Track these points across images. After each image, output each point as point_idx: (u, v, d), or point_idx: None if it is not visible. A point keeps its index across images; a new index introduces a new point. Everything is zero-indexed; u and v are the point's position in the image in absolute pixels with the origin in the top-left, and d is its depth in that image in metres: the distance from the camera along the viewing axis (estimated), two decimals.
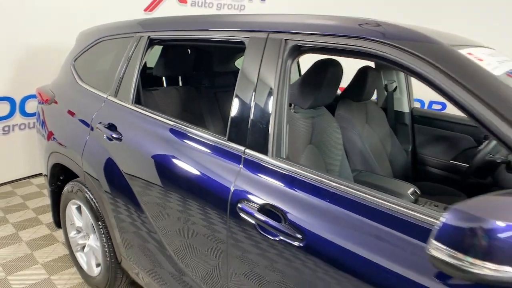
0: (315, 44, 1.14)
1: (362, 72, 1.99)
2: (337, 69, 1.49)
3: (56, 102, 2.24)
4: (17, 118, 3.55)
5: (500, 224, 0.59)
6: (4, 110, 3.47)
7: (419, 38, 0.97)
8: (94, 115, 1.87)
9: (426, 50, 0.93)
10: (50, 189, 2.34)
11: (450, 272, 0.62)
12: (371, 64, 2.05)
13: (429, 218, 0.80)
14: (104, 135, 1.74)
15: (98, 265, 2.07)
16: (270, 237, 1.06)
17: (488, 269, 0.60)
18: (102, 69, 2.03)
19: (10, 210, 3.07)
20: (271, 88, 1.19)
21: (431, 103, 4.60)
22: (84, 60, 2.19)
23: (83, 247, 2.16)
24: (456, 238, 0.60)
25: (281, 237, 1.03)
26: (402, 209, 0.87)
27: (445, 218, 0.62)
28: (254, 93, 1.23)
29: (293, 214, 1.02)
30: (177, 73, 2.32)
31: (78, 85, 2.13)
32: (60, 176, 2.27)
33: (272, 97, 1.18)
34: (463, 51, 0.96)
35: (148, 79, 2.32)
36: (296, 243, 1.00)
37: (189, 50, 2.27)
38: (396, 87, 2.27)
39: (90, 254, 2.10)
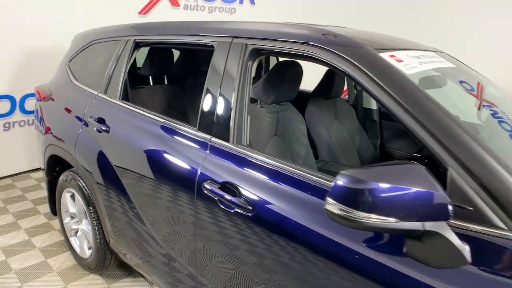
0: (269, 48, 1.35)
1: (330, 72, 2.19)
2: (296, 69, 1.69)
3: (52, 99, 2.44)
4: (17, 115, 3.76)
5: (378, 185, 0.79)
6: (5, 108, 3.68)
7: (349, 43, 1.17)
8: (86, 110, 2.07)
9: (352, 53, 1.13)
10: (46, 179, 2.54)
11: (341, 222, 0.82)
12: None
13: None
14: (94, 128, 1.95)
15: (89, 248, 2.26)
16: (228, 209, 1.26)
17: (371, 218, 0.80)
18: (94, 69, 2.23)
19: (10, 201, 3.27)
20: (233, 85, 1.39)
21: None
22: (78, 61, 2.40)
23: (76, 232, 2.36)
24: (344, 196, 0.80)
25: (236, 209, 1.23)
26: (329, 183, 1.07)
27: (337, 180, 0.81)
28: (219, 89, 1.43)
29: (246, 189, 1.22)
30: (162, 72, 2.51)
31: (73, 83, 2.33)
32: (56, 167, 2.47)
33: (233, 93, 1.39)
34: (385, 54, 1.16)
35: (138, 78, 2.53)
36: (247, 214, 1.20)
37: (173, 52, 2.48)
38: (356, 96, 2.47)
39: (83, 238, 2.30)
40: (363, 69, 1.08)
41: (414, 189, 0.79)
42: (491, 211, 0.84)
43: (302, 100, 2.17)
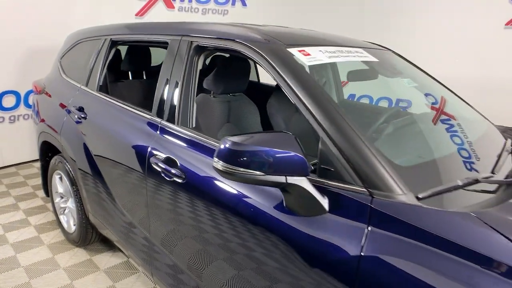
0: (209, 45, 1.59)
1: (319, 69, 2.41)
2: (243, 64, 1.93)
3: (46, 93, 2.74)
4: (22, 109, 4.10)
5: (252, 147, 1.02)
6: (11, 102, 4.03)
7: (263, 40, 1.40)
8: (70, 100, 2.35)
9: (264, 48, 1.36)
10: (40, 164, 2.85)
11: (225, 176, 1.04)
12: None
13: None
14: (75, 116, 2.23)
15: (74, 224, 2.55)
16: (167, 178, 1.51)
17: (245, 173, 1.02)
18: (79, 65, 2.51)
19: (13, 186, 3.60)
20: (180, 77, 1.64)
21: (398, 100, 4.96)
22: (68, 58, 2.69)
23: (64, 210, 2.65)
24: (226, 155, 1.02)
25: (174, 178, 1.48)
26: None
27: (221, 144, 1.05)
28: (169, 80, 1.68)
29: (181, 161, 1.47)
30: (138, 68, 2.77)
31: (62, 78, 2.63)
32: (48, 153, 2.77)
33: (179, 83, 1.63)
34: (294, 49, 1.39)
35: (121, 74, 2.80)
36: (181, 181, 1.45)
37: (150, 50, 2.74)
38: (325, 82, 2.67)
39: (69, 215, 2.59)
40: (270, 61, 1.31)
41: (281, 151, 1.02)
42: (346, 171, 1.06)
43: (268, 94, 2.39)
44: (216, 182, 1.34)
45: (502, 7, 3.93)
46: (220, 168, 1.04)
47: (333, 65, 2.59)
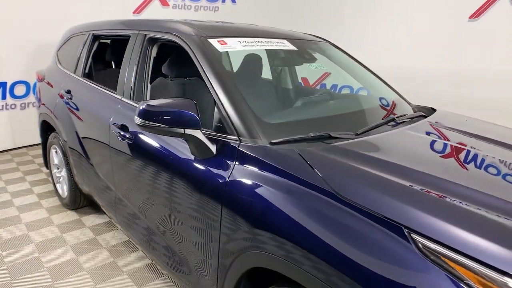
0: (158, 37, 2.01)
1: (248, 57, 2.80)
2: (182, 52, 2.29)
3: (46, 81, 3.23)
4: (31, 97, 4.64)
5: (160, 108, 1.44)
6: (22, 91, 4.58)
7: (190, 32, 1.81)
8: (62, 85, 2.83)
9: (189, 39, 1.77)
10: (41, 140, 3.35)
11: (143, 129, 1.47)
12: (260, 53, 2.86)
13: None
14: (64, 97, 2.70)
15: (67, 190, 3.04)
16: (122, 140, 1.95)
17: (155, 126, 1.44)
18: (71, 56, 2.98)
19: (22, 164, 4.15)
20: (136, 63, 2.08)
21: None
22: (63, 51, 3.17)
23: (60, 179, 3.15)
24: (142, 113, 1.44)
25: (127, 140, 1.92)
26: None
27: (139, 106, 1.46)
28: (129, 65, 2.12)
29: (131, 127, 1.91)
30: (120, 58, 3.20)
31: (58, 67, 3.11)
32: (47, 131, 3.26)
33: (136, 67, 2.07)
34: (214, 40, 1.79)
35: (106, 63, 3.26)
36: (130, 141, 1.89)
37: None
38: (281, 70, 3.05)
39: (63, 183, 3.08)
40: (192, 49, 1.72)
41: (181, 111, 1.43)
42: (228, 126, 1.47)
43: None
44: (151, 138, 1.78)
45: (466, 1, 4.19)
46: (139, 123, 1.46)
47: (289, 58, 2.97)
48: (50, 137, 3.12)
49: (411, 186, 1.11)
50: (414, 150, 1.50)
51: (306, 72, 2.68)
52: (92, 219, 2.98)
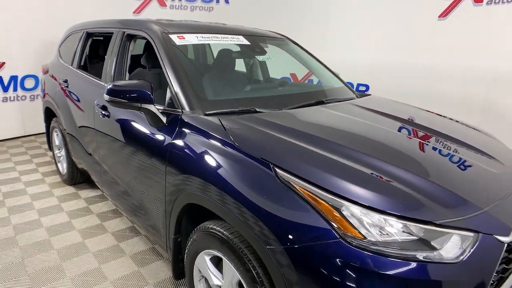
0: (133, 34, 2.44)
1: (221, 52, 3.20)
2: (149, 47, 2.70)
3: (50, 74, 3.71)
4: (39, 90, 5.14)
5: (122, 87, 1.85)
6: (31, 84, 5.09)
7: (154, 29, 2.22)
8: (61, 76, 3.30)
9: (153, 35, 2.18)
10: (45, 125, 3.84)
11: (111, 104, 1.89)
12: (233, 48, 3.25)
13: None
14: (62, 85, 3.16)
15: (66, 168, 3.51)
16: (102, 117, 2.39)
17: (118, 101, 1.87)
18: (70, 51, 3.44)
19: (30, 148, 4.66)
20: (116, 55, 2.51)
21: (358, 85, 5.61)
22: (64, 46, 3.63)
23: (60, 158, 3.62)
24: (109, 91, 1.85)
25: (105, 117, 2.36)
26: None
27: (106, 86, 1.88)
28: (111, 57, 2.55)
29: (109, 107, 2.34)
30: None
31: (59, 61, 3.58)
32: (50, 117, 3.74)
33: (115, 59, 2.50)
34: (174, 35, 2.20)
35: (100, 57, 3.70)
36: (109, 118, 2.32)
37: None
38: (252, 63, 3.45)
39: (63, 161, 3.55)
40: (154, 42, 2.14)
41: (139, 90, 1.84)
42: (175, 101, 1.88)
43: None
44: (122, 114, 2.21)
45: (436, 1, 4.50)
46: (107, 99, 1.89)
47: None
48: (52, 122, 3.60)
49: (286, 139, 1.51)
50: (312, 119, 1.90)
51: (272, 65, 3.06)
52: (87, 193, 3.44)
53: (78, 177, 3.47)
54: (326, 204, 1.20)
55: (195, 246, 1.68)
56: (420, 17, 4.66)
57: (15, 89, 5.01)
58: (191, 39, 2.25)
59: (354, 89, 5.69)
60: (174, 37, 2.19)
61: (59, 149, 3.65)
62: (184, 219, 1.79)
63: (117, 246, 2.58)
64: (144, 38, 2.33)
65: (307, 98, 2.28)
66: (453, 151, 1.62)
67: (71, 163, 3.36)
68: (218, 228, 1.52)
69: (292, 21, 5.90)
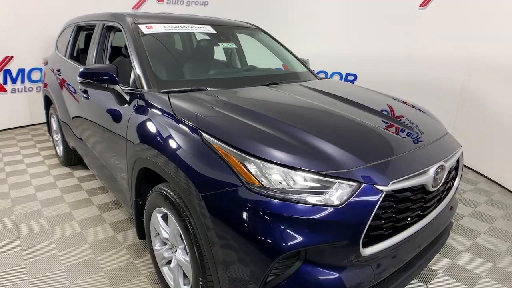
0: (110, 25, 2.72)
1: (200, 42, 3.47)
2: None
3: (49, 66, 4.05)
4: None
5: (93, 71, 2.13)
6: (37, 76, 5.48)
7: (124, 19, 2.49)
8: (56, 66, 3.62)
9: (124, 24, 2.45)
10: (45, 112, 4.19)
11: (83, 85, 2.17)
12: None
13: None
14: (56, 74, 3.49)
15: (62, 150, 3.85)
16: (84, 99, 2.68)
17: (89, 82, 2.16)
18: (64, 43, 3.76)
19: (36, 135, 5.05)
20: (97, 44, 2.79)
21: (347, 74, 5.77)
22: (60, 39, 3.96)
23: (58, 141, 3.96)
24: (82, 74, 2.13)
25: (85, 99, 2.65)
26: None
27: (79, 69, 2.16)
28: (93, 47, 2.84)
29: (89, 90, 2.63)
30: None
31: (56, 53, 3.91)
32: (49, 105, 4.09)
33: (96, 48, 2.79)
34: (143, 25, 2.47)
35: None
36: (88, 100, 2.62)
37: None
38: (231, 52, 3.69)
39: (60, 145, 3.90)
40: (125, 30, 2.41)
41: (106, 72, 2.12)
42: (136, 82, 2.15)
43: None
44: (97, 95, 2.49)
45: None
46: (79, 81, 2.18)
47: (237, 44, 3.56)
48: (50, 109, 3.95)
49: (216, 109, 1.77)
50: (251, 95, 2.15)
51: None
52: (80, 173, 3.77)
53: (72, 159, 3.81)
54: (234, 159, 1.44)
55: (150, 206, 1.95)
56: (401, 7, 4.79)
57: (22, 81, 5.41)
58: (159, 28, 2.51)
59: (343, 79, 5.87)
60: (142, 27, 2.46)
61: (56, 134, 3.99)
62: (144, 185, 2.06)
63: (99, 216, 2.89)
64: (119, 29, 2.61)
65: (263, 80, 2.52)
66: (363, 119, 1.83)
67: (65, 145, 3.69)
68: (164, 188, 1.78)
69: (284, 14, 6.09)
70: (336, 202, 1.35)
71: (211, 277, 1.56)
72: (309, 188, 1.38)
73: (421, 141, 1.74)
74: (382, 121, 1.86)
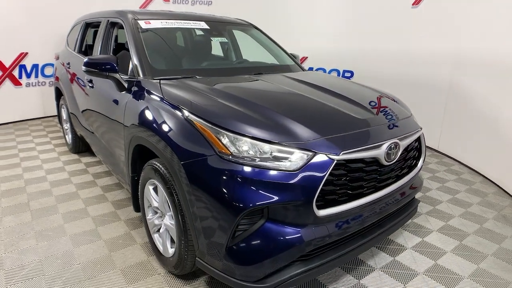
0: (114, 21, 3.00)
1: (194, 37, 3.73)
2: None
3: (60, 60, 4.37)
4: None
5: (95, 61, 2.41)
6: (50, 71, 5.82)
7: (126, 16, 2.77)
8: (66, 60, 3.93)
9: (125, 20, 2.73)
10: (56, 103, 4.52)
11: (86, 73, 2.45)
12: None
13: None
14: (66, 67, 3.79)
15: (70, 138, 4.16)
16: (90, 88, 2.96)
17: (92, 70, 2.43)
18: (74, 39, 4.07)
19: (48, 127, 5.39)
20: (102, 38, 3.08)
21: (344, 71, 5.97)
22: (71, 35, 4.28)
23: (67, 130, 4.28)
24: (86, 63, 2.41)
25: (91, 88, 2.93)
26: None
27: (83, 59, 2.43)
28: (98, 41, 3.13)
29: (93, 79, 2.91)
30: None
31: (66, 49, 4.22)
32: (59, 97, 4.40)
33: (101, 41, 3.07)
34: (142, 21, 2.73)
35: None
36: (92, 87, 2.90)
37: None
38: (227, 48, 3.94)
39: (69, 133, 4.21)
40: (125, 25, 2.68)
41: (107, 62, 2.40)
42: (135, 71, 2.41)
43: None
44: (101, 83, 2.77)
45: None
46: (84, 69, 2.45)
47: (233, 40, 3.79)
48: (60, 100, 4.26)
49: (200, 92, 2.02)
50: (233, 82, 2.40)
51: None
52: (87, 159, 4.07)
53: (80, 146, 4.11)
54: (210, 132, 1.69)
55: (143, 179, 2.21)
56: (395, 6, 4.98)
57: (36, 76, 5.76)
58: (156, 23, 2.78)
59: (340, 75, 6.06)
60: (141, 22, 2.73)
61: (66, 123, 4.31)
62: (138, 162, 2.32)
63: (102, 195, 3.17)
64: (122, 25, 2.89)
65: (249, 71, 2.77)
66: (328, 102, 2.06)
67: (74, 133, 4.00)
68: (154, 162, 2.04)
69: (284, 13, 6.33)
70: (293, 168, 1.59)
71: (191, 236, 1.81)
72: (272, 157, 1.61)
73: (379, 121, 1.96)
74: (346, 104, 2.08)
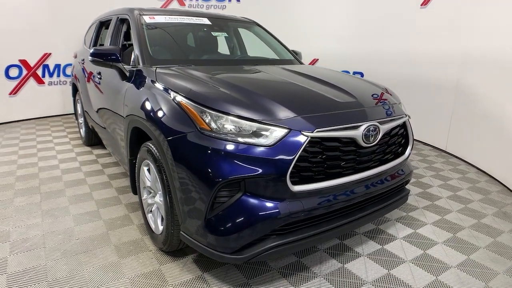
0: (123, 18, 3.19)
1: (196, 32, 3.87)
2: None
3: (78, 58, 4.64)
4: None
5: (100, 51, 2.59)
6: (70, 71, 6.14)
7: (131, 12, 2.94)
8: (81, 56, 4.18)
9: (131, 16, 2.91)
10: (73, 99, 4.78)
11: (93, 63, 2.62)
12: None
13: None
14: (81, 64, 4.03)
15: (84, 132, 4.39)
16: (98, 79, 3.16)
17: (98, 59, 2.60)
18: (90, 37, 4.32)
19: (66, 123, 5.69)
20: (111, 34, 3.28)
21: (354, 72, 5.98)
22: (88, 34, 4.54)
23: (81, 124, 4.51)
24: (93, 54, 2.58)
25: (100, 79, 3.12)
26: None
27: (90, 50, 2.61)
28: (108, 36, 3.33)
29: (101, 72, 3.10)
30: None
31: (83, 47, 4.48)
32: (75, 92, 4.66)
33: (110, 38, 3.27)
34: (147, 16, 2.90)
35: None
36: (99, 80, 3.09)
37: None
38: (233, 46, 4.07)
39: (83, 126, 4.44)
40: (131, 20, 2.86)
41: (111, 53, 2.57)
42: (137, 61, 2.57)
43: None
44: (107, 73, 2.95)
45: None
46: (90, 59, 2.63)
47: (238, 37, 3.93)
48: (76, 95, 4.52)
49: (190, 77, 2.13)
50: (225, 69, 2.51)
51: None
52: (99, 151, 4.28)
53: (92, 139, 4.33)
54: (193, 110, 1.80)
55: (139, 161, 2.34)
56: (404, 6, 4.99)
57: (58, 75, 6.10)
58: (160, 19, 2.95)
59: None
60: (146, 17, 2.90)
61: (80, 117, 4.55)
62: (136, 145, 2.46)
63: (108, 182, 3.34)
64: (128, 21, 3.07)
65: (246, 62, 2.87)
66: (313, 88, 2.13)
67: (87, 128, 4.22)
68: (148, 143, 2.16)
69: (298, 17, 6.44)
70: (268, 143, 1.67)
71: (175, 212, 1.91)
72: (249, 133, 1.70)
73: (360, 105, 2.01)
74: (331, 90, 2.15)
